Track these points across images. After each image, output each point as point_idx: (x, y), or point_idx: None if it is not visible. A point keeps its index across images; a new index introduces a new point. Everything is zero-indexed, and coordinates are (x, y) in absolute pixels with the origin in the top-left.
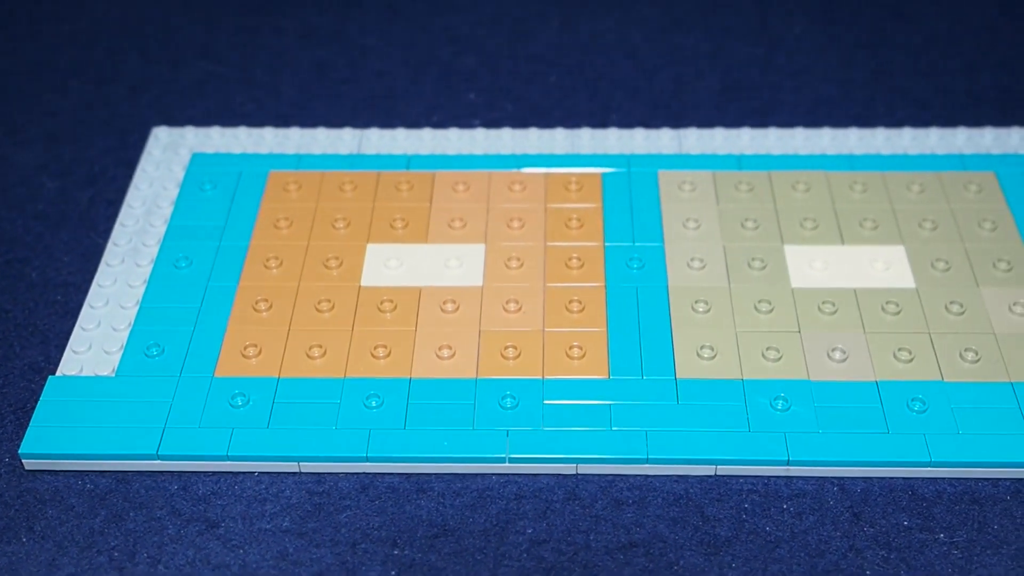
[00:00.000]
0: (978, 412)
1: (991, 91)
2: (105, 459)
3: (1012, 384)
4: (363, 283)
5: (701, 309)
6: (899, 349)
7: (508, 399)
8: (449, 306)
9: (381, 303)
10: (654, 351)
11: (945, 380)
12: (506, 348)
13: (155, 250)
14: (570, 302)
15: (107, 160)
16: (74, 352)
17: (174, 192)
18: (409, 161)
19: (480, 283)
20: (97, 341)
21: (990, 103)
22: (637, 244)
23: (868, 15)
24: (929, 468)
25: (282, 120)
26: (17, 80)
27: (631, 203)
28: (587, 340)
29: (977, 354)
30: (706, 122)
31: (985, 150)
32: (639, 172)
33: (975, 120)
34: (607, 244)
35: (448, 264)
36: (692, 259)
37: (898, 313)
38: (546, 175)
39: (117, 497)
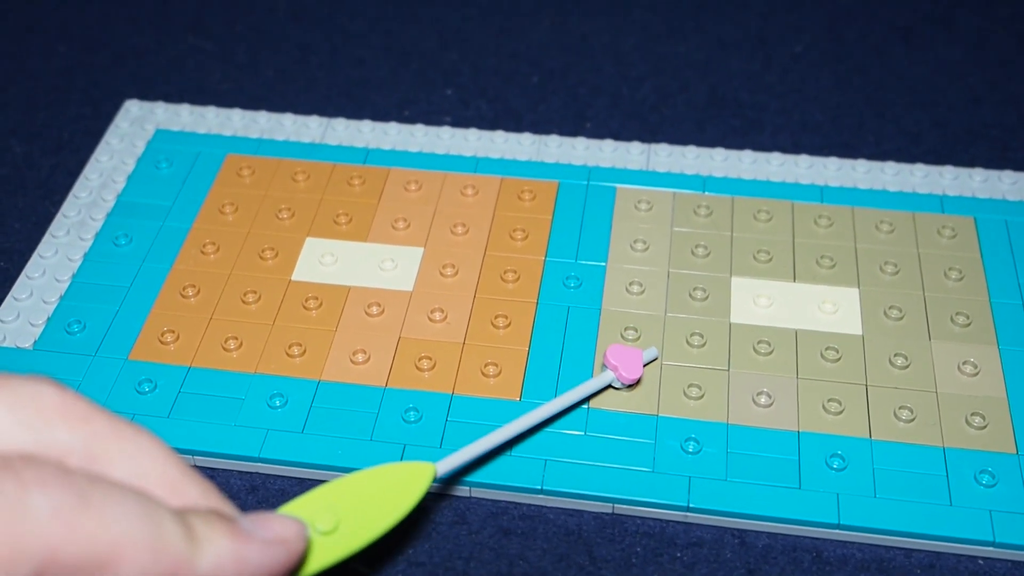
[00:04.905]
0: (901, 476)
1: (992, 129)
2: None
3: (944, 450)
4: (294, 277)
5: (630, 337)
6: (829, 400)
7: (412, 412)
8: (374, 309)
9: (307, 300)
10: (572, 377)
11: (872, 438)
12: (421, 359)
13: (101, 225)
14: (496, 317)
15: (76, 129)
16: (1, 322)
17: (132, 167)
18: (367, 155)
19: (410, 288)
20: (25, 312)
21: (988, 142)
22: (579, 262)
23: (876, 37)
24: (837, 530)
25: (255, 102)
26: (5, 41)
27: (582, 218)
28: (506, 358)
29: (912, 413)
30: (682, 138)
31: (971, 192)
32: (597, 186)
33: (968, 159)
34: (548, 259)
35: (383, 265)
36: (632, 283)
37: (837, 360)
38: (501, 181)
39: None
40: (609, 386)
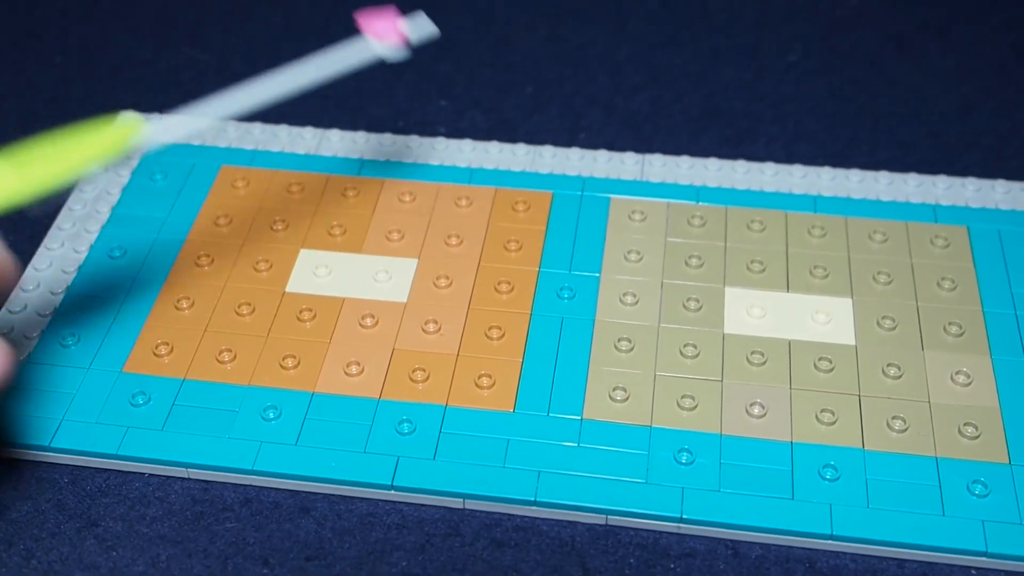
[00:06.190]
0: (894, 486)
1: (985, 138)
2: None
3: (937, 459)
4: (288, 289)
5: (624, 348)
6: (822, 410)
7: (405, 424)
8: (368, 320)
9: (301, 312)
10: (565, 387)
11: (865, 448)
12: (415, 370)
13: (95, 237)
14: (490, 328)
15: None
16: None
17: (126, 179)
18: (361, 166)
19: (404, 299)
20: (20, 325)
21: (981, 151)
22: (573, 272)
23: (869, 46)
24: (831, 541)
25: (249, 113)
26: (2, 51)
27: (576, 228)
28: (500, 369)
29: (905, 423)
30: (676, 148)
31: (964, 202)
32: (591, 196)
33: (962, 168)
34: (542, 270)
35: (377, 277)
36: (625, 294)
37: (831, 371)
38: (495, 192)
39: (7, 486)
40: (378, 55)
